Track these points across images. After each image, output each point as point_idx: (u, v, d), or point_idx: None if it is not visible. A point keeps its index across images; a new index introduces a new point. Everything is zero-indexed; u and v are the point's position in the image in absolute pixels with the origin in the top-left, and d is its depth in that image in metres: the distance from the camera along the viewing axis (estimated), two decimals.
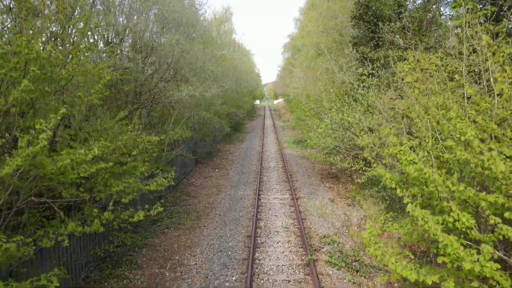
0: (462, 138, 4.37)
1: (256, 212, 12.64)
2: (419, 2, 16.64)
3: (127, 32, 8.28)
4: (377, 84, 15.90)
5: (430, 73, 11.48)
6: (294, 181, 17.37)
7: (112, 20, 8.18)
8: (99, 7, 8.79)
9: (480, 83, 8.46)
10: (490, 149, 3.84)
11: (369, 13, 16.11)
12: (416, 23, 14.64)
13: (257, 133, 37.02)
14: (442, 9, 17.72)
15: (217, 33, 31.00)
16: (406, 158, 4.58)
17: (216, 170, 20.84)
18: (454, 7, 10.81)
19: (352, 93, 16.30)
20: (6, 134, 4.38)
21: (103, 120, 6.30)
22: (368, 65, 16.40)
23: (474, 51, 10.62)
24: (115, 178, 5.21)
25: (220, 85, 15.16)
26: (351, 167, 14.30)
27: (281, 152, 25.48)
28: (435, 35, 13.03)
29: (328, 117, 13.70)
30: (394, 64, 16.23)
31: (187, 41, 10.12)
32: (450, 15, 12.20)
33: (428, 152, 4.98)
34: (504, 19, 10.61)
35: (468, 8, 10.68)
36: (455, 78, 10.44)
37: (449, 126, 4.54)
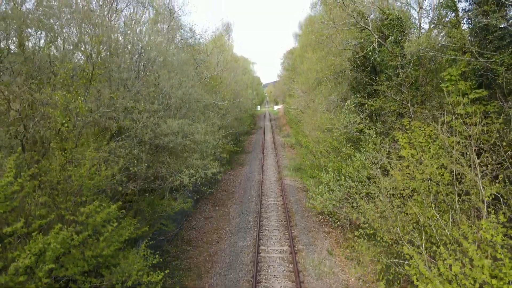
0: None
1: (255, 272, 12.96)
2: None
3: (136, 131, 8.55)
4: (375, 132, 16.27)
5: (423, 145, 11.81)
6: (293, 226, 17.68)
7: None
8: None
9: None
10: None
11: (367, 63, 16.39)
12: (412, 78, 14.93)
13: (257, 155, 37.28)
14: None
15: (217, 61, 31.28)
16: None
17: (217, 207, 21.15)
18: (446, 86, 11.10)
19: (350, 137, 16.67)
20: None
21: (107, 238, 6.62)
22: (365, 115, 16.76)
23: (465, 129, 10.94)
24: None
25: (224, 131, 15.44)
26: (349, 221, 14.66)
27: (281, 183, 25.78)
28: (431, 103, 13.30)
29: (325, 176, 14.01)
30: (388, 116, 16.57)
31: (188, 118, 10.45)
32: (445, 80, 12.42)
33: None
34: (495, 101, 10.93)
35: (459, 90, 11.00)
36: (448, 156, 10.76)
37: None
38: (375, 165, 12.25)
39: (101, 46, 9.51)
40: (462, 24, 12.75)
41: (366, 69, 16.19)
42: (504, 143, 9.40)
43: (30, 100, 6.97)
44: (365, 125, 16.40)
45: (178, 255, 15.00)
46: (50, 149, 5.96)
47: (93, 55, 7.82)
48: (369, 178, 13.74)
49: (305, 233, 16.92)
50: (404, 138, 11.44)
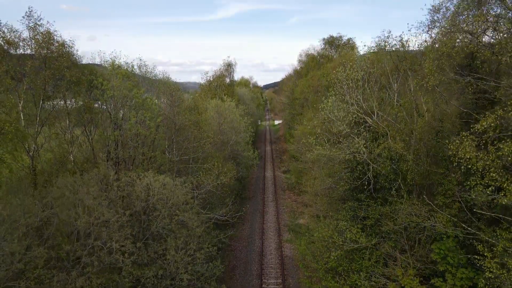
0: None
1: None
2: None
3: None
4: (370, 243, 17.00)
5: None
6: None
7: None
8: None
9: None
10: None
11: (365, 184, 17.01)
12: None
13: (258, 205, 37.95)
14: None
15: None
16: None
17: None
18: (436, 259, 11.81)
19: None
20: None
21: None
22: (360, 226, 17.47)
23: None
24: None
25: None
26: None
27: (281, 253, 26.59)
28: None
29: None
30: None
31: None
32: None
33: None
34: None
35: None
36: None
37: None
38: None
39: None
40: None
41: (364, 187, 16.76)
42: None
43: None
44: (360, 235, 17.12)
45: None
46: None
47: None
48: None
49: None
50: None
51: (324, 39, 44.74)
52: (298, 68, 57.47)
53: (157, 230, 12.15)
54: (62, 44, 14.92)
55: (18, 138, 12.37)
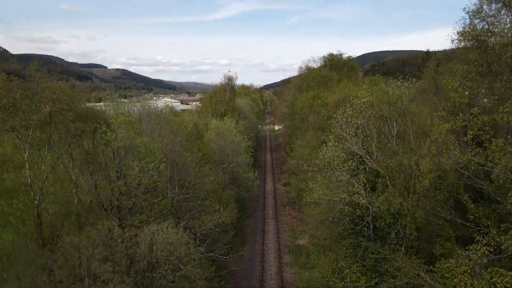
0: None
1: None
2: None
3: None
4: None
5: None
6: None
7: None
8: None
9: None
10: None
11: (365, 229, 17.29)
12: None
13: (258, 223, 38.22)
14: None
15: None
16: None
17: None
18: None
19: None
20: None
21: None
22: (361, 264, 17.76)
23: None
24: None
25: None
26: None
27: (281, 277, 26.90)
28: None
29: None
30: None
31: None
32: None
33: None
34: None
35: None
36: None
37: None
38: None
39: None
40: None
41: (364, 233, 17.08)
42: None
43: None
44: (361, 274, 17.39)
45: None
46: None
47: None
48: None
49: None
50: None
51: (324, 57, 45.21)
52: (299, 81, 57.76)
53: (161, 286, 12.45)
54: (69, 96, 15.08)
55: (25, 198, 12.71)
